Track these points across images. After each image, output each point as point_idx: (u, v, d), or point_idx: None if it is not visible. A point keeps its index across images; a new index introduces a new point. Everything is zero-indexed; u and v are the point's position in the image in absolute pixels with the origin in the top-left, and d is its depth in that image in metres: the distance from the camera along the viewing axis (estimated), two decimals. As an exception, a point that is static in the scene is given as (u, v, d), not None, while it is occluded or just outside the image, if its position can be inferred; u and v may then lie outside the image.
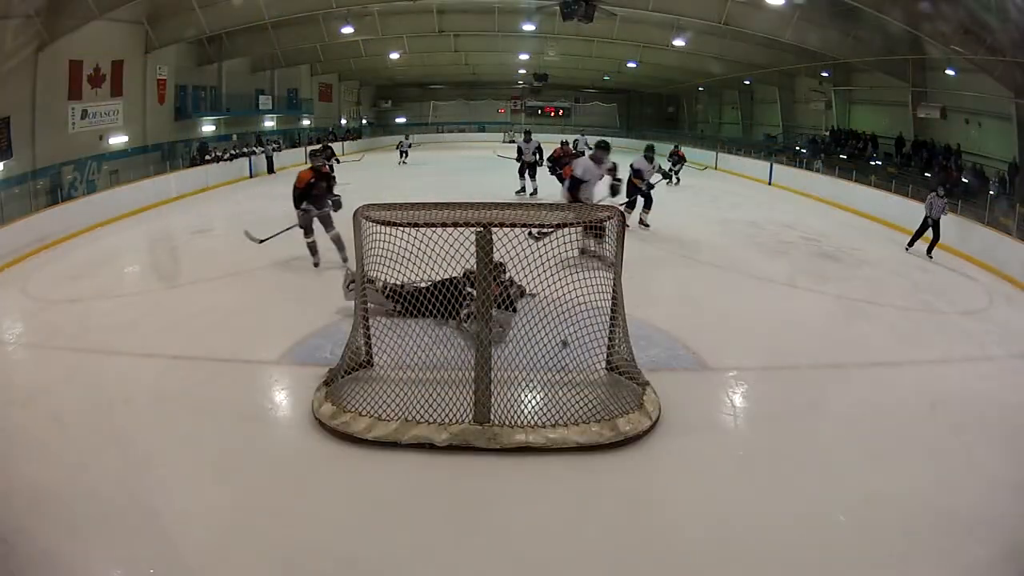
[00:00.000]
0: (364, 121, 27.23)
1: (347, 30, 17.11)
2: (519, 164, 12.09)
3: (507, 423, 3.41)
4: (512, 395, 3.62)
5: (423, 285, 4.22)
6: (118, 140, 13.39)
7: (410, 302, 4.60)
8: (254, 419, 3.85)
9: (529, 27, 18.21)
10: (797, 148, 18.17)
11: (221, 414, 3.86)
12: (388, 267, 3.70)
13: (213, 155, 15.41)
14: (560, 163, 10.72)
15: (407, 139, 21.12)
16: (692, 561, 2.73)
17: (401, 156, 19.74)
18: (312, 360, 4.54)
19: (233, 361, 4.66)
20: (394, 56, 21.55)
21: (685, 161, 15.43)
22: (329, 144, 17.73)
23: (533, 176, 11.96)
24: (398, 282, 4.09)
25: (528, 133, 12.78)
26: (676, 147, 15.89)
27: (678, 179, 14.82)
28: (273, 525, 2.89)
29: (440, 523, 2.93)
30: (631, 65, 21.35)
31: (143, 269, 7.92)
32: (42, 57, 10.98)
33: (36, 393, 4.19)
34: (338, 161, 17.59)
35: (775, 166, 16.44)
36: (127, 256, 8.52)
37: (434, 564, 2.68)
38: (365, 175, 16.96)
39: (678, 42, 17.27)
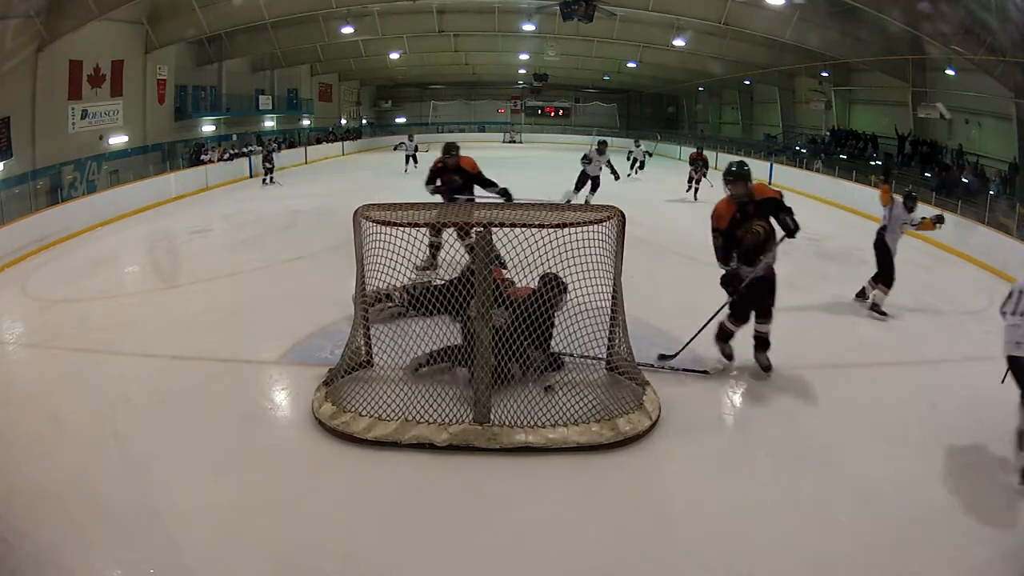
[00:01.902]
0: (364, 121, 27.22)
1: (347, 30, 17.12)
2: (580, 174, 10.80)
3: (507, 423, 3.41)
4: (512, 395, 3.61)
5: (439, 283, 4.14)
6: (118, 140, 13.40)
7: (431, 302, 4.19)
8: (254, 419, 3.84)
9: (529, 27, 18.24)
10: (797, 148, 18.17)
11: (221, 414, 3.86)
12: (388, 268, 3.69)
13: (209, 157, 15.34)
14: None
15: (411, 140, 17.64)
16: (692, 561, 2.73)
17: (407, 162, 16.96)
18: (312, 360, 4.54)
19: (233, 361, 4.66)
20: (394, 56, 21.57)
21: (707, 168, 12.73)
22: (272, 143, 17.42)
23: (594, 190, 10.81)
24: (413, 283, 4.03)
25: (603, 144, 11.05)
26: (699, 150, 13.52)
27: (694, 186, 12.58)
28: (273, 524, 2.88)
29: (440, 523, 2.92)
30: (631, 65, 21.36)
31: (143, 269, 7.93)
32: (42, 57, 10.99)
33: (36, 393, 4.19)
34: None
35: (775, 166, 16.43)
36: (127, 256, 8.53)
37: (434, 564, 2.68)
38: (364, 175, 16.98)
39: (678, 42, 17.30)
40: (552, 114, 28.67)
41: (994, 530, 2.92)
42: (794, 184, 15.01)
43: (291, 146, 20.11)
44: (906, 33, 12.16)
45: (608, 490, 3.17)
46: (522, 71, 24.63)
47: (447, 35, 19.50)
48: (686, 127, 26.01)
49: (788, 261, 7.84)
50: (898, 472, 3.36)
